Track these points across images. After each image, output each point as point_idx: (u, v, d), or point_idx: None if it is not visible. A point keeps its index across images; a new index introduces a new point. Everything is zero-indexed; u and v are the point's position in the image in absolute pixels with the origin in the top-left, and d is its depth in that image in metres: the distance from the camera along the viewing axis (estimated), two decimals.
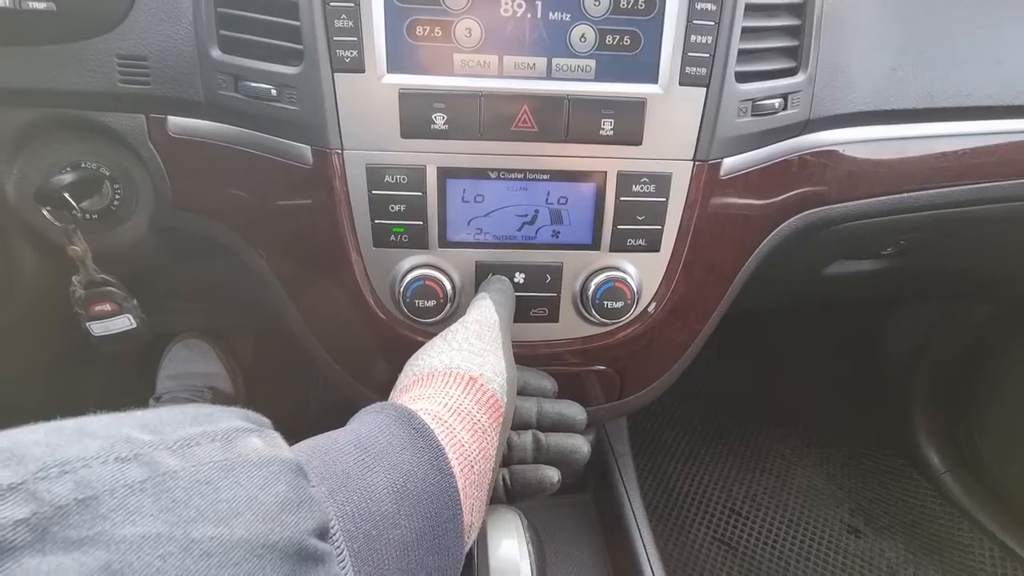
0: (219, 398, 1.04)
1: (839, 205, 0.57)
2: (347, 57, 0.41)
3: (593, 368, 0.53)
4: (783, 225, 0.56)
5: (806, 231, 0.58)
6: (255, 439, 0.22)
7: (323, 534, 0.22)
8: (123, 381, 1.03)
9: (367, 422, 0.30)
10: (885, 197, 0.58)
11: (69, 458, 0.16)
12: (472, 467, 0.31)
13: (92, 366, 0.99)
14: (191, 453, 0.19)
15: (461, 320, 0.41)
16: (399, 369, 0.53)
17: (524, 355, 0.52)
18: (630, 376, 0.56)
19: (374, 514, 0.25)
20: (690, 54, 0.43)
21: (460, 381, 0.34)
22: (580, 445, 0.42)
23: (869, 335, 1.23)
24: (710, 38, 0.42)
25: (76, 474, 0.16)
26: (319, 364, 0.55)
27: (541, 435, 0.42)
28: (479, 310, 0.41)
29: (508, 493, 0.41)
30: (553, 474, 0.41)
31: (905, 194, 0.58)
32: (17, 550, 0.14)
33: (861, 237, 0.66)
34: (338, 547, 0.23)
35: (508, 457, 0.41)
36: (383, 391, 0.57)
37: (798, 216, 0.56)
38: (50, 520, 0.15)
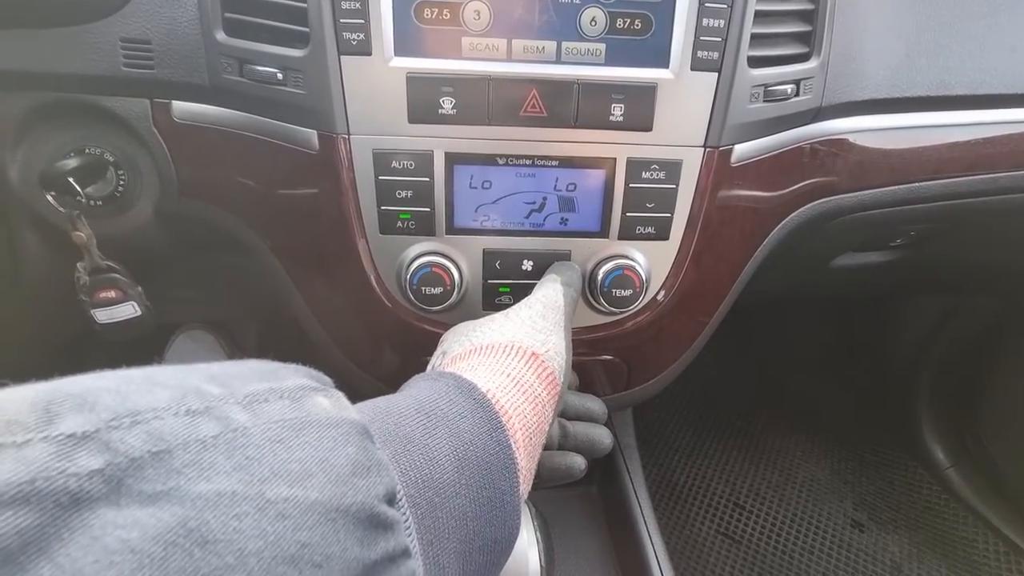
0: None
1: (850, 195, 0.56)
2: (354, 40, 0.40)
3: (600, 358, 0.53)
4: (793, 214, 0.56)
5: (816, 221, 0.57)
6: (322, 398, 0.21)
7: (391, 499, 0.21)
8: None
9: (425, 388, 0.29)
10: (896, 187, 0.57)
11: (141, 408, 0.16)
12: (531, 439, 0.30)
13: (96, 358, 0.99)
14: (261, 409, 0.19)
15: (526, 300, 0.40)
16: (404, 357, 0.52)
17: None
18: (637, 366, 0.56)
19: (436, 481, 0.24)
20: (702, 38, 0.42)
21: (523, 355, 0.34)
22: (604, 436, 0.44)
23: (875, 330, 1.22)
24: (722, 22, 0.42)
25: (148, 425, 0.15)
26: (324, 352, 0.55)
27: (568, 423, 0.43)
28: (546, 291, 0.41)
29: (536, 478, 0.41)
30: (580, 461, 0.42)
31: (916, 184, 0.58)
32: (94, 501, 0.13)
33: (871, 227, 0.65)
34: (404, 514, 0.22)
35: None
36: (388, 380, 0.57)
37: (808, 205, 0.56)
38: (124, 472, 0.14)
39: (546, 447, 0.41)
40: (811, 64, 0.47)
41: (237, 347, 1.10)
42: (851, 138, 0.54)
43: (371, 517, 0.19)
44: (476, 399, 0.29)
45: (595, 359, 0.53)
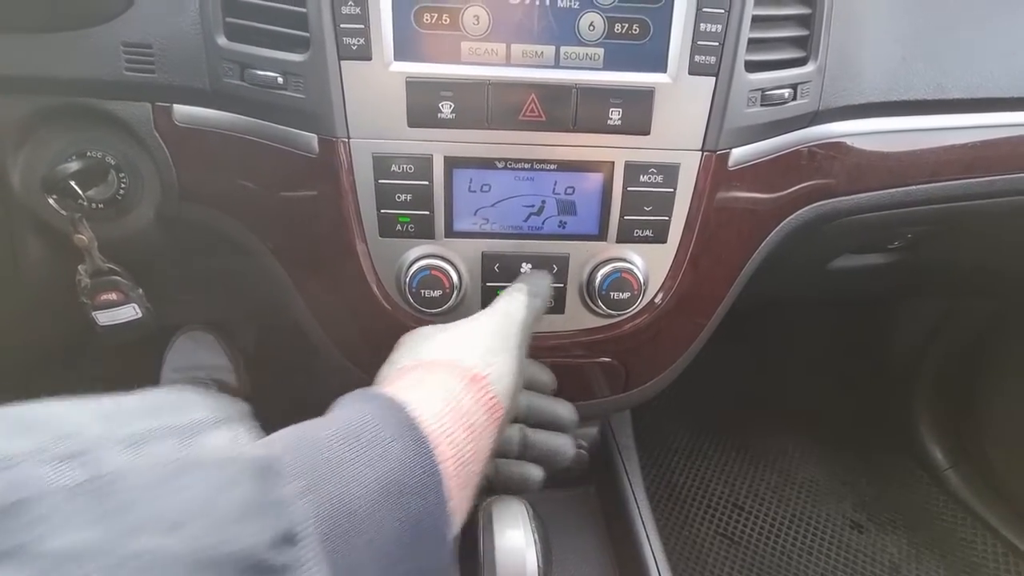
0: (224, 390, 1.04)
1: (847, 197, 0.57)
2: (354, 45, 0.41)
3: (598, 360, 0.53)
4: (791, 217, 0.56)
5: (814, 223, 0.58)
6: (220, 434, 0.20)
7: (290, 540, 0.20)
8: (127, 374, 1.03)
9: (355, 411, 0.28)
10: (893, 189, 0.58)
11: (2, 454, 0.15)
12: (463, 468, 0.29)
13: (96, 359, 0.99)
14: (144, 450, 0.18)
15: (487, 309, 0.40)
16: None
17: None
18: (635, 368, 0.56)
19: (355, 511, 0.23)
20: (699, 43, 0.42)
21: (463, 376, 0.32)
22: (565, 446, 0.42)
23: (873, 331, 1.23)
24: (720, 27, 0.42)
25: (9, 472, 0.14)
26: (324, 354, 0.55)
27: (529, 431, 0.41)
28: (508, 303, 0.40)
29: (490, 486, 0.40)
30: (537, 472, 0.40)
31: (913, 187, 0.58)
32: None
33: (868, 230, 0.65)
34: (307, 553, 0.20)
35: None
36: None
37: (806, 208, 0.56)
38: None
39: (504, 455, 0.40)
40: (808, 68, 0.48)
41: (237, 347, 1.11)
42: (848, 141, 0.54)
43: (256, 565, 0.18)
44: (405, 423, 0.27)
45: (593, 361, 0.53)
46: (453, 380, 0.32)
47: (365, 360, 0.55)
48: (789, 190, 0.53)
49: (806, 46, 0.48)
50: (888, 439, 1.20)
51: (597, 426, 0.71)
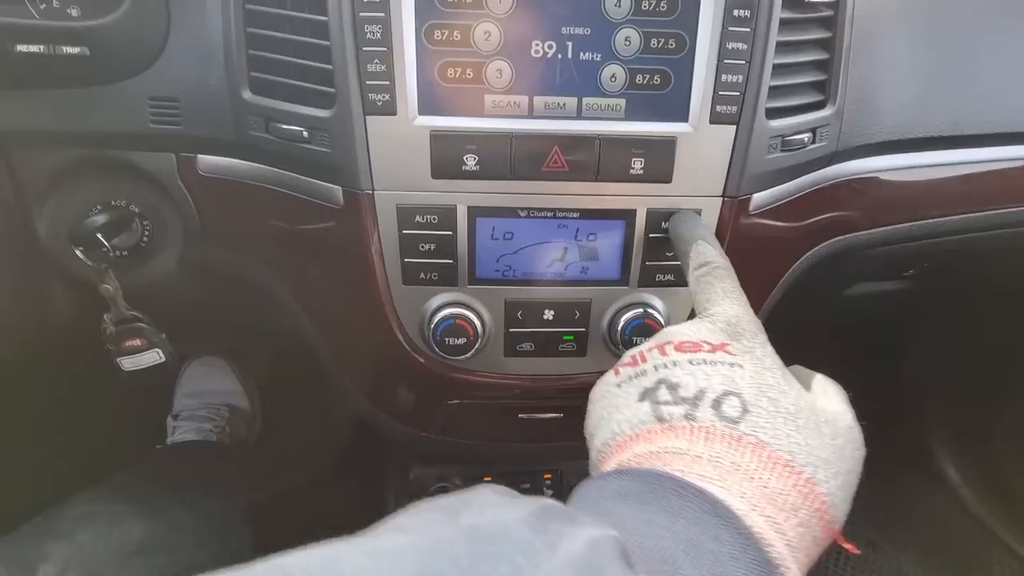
0: (236, 415, 1.05)
1: (865, 232, 0.57)
2: (379, 100, 0.41)
3: None
4: (809, 253, 0.56)
5: (831, 258, 0.58)
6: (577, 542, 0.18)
7: None
8: (142, 399, 1.03)
9: (683, 519, 0.22)
10: (912, 223, 0.58)
11: None
12: None
13: (110, 385, 0.99)
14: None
15: (714, 322, 0.32)
16: (429, 401, 0.53)
17: (550, 388, 0.52)
18: None
19: None
20: (721, 93, 0.43)
21: (786, 473, 0.24)
22: None
23: (888, 350, 1.22)
24: (741, 76, 0.42)
25: None
26: (346, 398, 0.55)
27: None
28: (765, 351, 0.31)
29: None
30: None
31: (932, 220, 0.58)
32: None
33: (885, 261, 0.65)
34: None
35: None
36: (412, 422, 0.57)
37: (825, 244, 0.56)
38: None
39: None
40: (827, 112, 0.48)
41: (250, 373, 1.11)
42: (866, 178, 0.54)
43: None
44: (746, 538, 0.22)
45: None
46: (771, 473, 0.24)
47: (387, 401, 0.55)
48: (808, 228, 0.53)
49: (824, 90, 0.48)
50: (903, 456, 1.19)
51: None
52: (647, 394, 0.28)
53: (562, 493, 0.71)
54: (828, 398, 0.30)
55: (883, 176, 0.55)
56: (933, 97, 0.54)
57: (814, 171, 0.50)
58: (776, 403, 0.27)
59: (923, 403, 1.17)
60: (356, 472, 0.86)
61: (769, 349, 0.31)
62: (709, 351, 0.30)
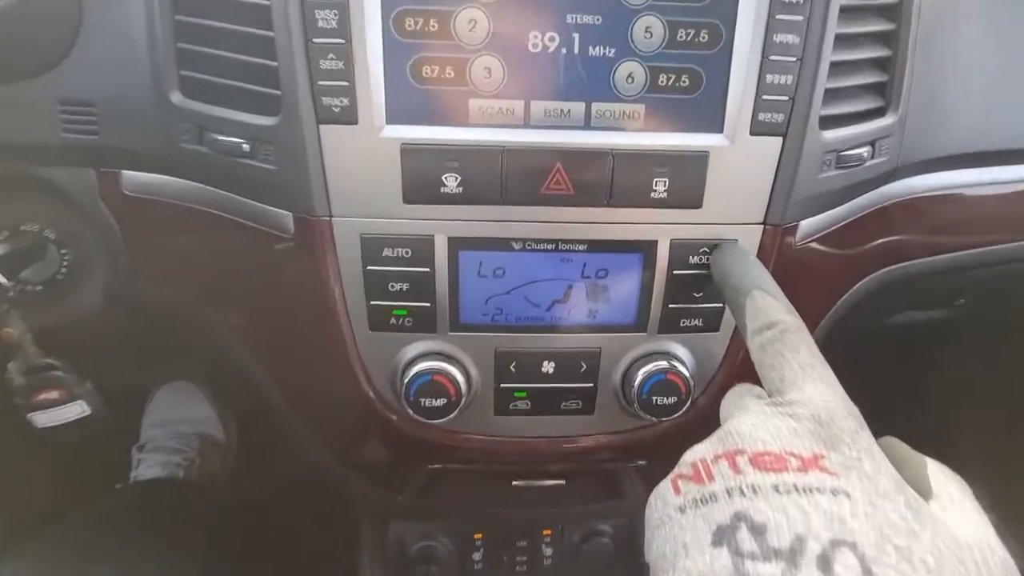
0: (208, 446, 0.96)
1: (926, 260, 0.49)
2: (336, 106, 0.33)
3: (635, 465, 0.45)
4: (856, 287, 0.48)
5: (879, 291, 0.50)
6: None
7: None
8: (104, 430, 0.95)
9: None
10: (973, 250, 0.50)
11: None
12: None
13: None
14: None
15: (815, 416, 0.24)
16: (402, 461, 0.44)
17: (550, 452, 0.43)
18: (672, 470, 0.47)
19: None
20: (765, 97, 0.34)
21: None
22: None
23: (915, 370, 1.14)
24: (791, 77, 0.34)
25: None
26: (304, 448, 0.47)
27: None
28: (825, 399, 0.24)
29: None
30: None
31: (996, 247, 0.50)
32: None
33: (938, 289, 0.57)
34: None
35: None
36: (384, 483, 0.49)
37: (874, 275, 0.48)
38: None
39: None
40: (888, 120, 0.40)
41: (226, 398, 1.02)
42: (925, 197, 0.46)
43: None
44: None
45: (628, 466, 0.45)
46: None
47: (354, 459, 0.47)
48: (858, 259, 0.46)
49: (885, 94, 0.40)
50: None
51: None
52: (723, 535, 0.21)
53: (564, 552, 0.62)
54: (960, 513, 0.22)
55: (944, 195, 0.47)
56: (1004, 103, 0.46)
57: (868, 191, 0.42)
58: (908, 554, 0.19)
59: (951, 423, 1.08)
60: (330, 522, 0.77)
61: (879, 455, 0.23)
62: (799, 469, 0.22)
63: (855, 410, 0.25)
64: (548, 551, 0.63)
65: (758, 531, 0.20)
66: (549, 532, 0.63)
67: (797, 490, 0.21)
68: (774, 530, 0.20)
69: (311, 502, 0.82)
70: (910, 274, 0.50)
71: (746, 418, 0.25)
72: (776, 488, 0.21)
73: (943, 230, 0.47)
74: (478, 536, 0.62)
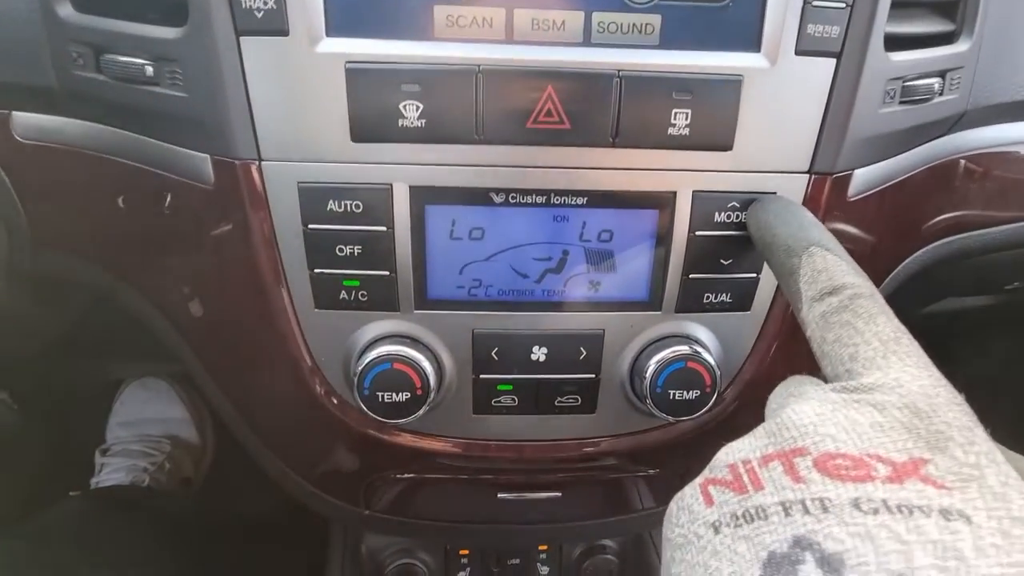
0: (180, 449, 0.89)
1: (983, 231, 0.41)
2: (258, 9, 0.25)
3: (643, 473, 0.37)
4: (909, 260, 0.41)
5: (933, 266, 0.43)
6: None
7: None
8: (67, 430, 0.88)
9: None
10: None
11: None
12: None
13: (34, 413, 0.84)
14: None
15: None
16: (363, 469, 0.37)
17: (541, 459, 0.36)
18: (694, 475, 0.40)
19: None
20: (815, 5, 0.27)
21: None
22: None
23: (948, 358, 1.07)
24: None
25: None
26: (258, 458, 0.39)
27: None
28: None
29: None
30: None
31: None
32: None
33: (990, 269, 0.50)
34: None
35: None
36: (346, 496, 0.41)
37: (930, 247, 0.41)
38: None
39: None
40: (961, 47, 0.33)
41: (201, 397, 0.95)
42: (993, 153, 0.39)
43: None
44: None
45: (635, 475, 0.37)
46: None
47: (308, 468, 0.39)
48: (914, 223, 0.39)
49: (955, 15, 0.32)
50: None
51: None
52: (777, 567, 0.14)
53: (561, 569, 0.55)
54: None
55: (1014, 151, 0.39)
56: None
57: (931, 139, 0.35)
58: None
59: (988, 413, 1.01)
60: (303, 537, 0.70)
61: (1003, 464, 0.16)
62: (891, 479, 0.15)
63: (961, 400, 0.18)
64: (544, 569, 0.56)
65: (832, 566, 0.14)
66: (545, 548, 0.56)
67: (889, 509, 0.14)
68: (857, 567, 0.14)
69: (284, 513, 0.75)
70: (968, 247, 0.43)
71: (806, 407, 0.18)
72: (857, 505, 0.15)
73: (1009, 194, 0.40)
74: (464, 553, 0.54)
